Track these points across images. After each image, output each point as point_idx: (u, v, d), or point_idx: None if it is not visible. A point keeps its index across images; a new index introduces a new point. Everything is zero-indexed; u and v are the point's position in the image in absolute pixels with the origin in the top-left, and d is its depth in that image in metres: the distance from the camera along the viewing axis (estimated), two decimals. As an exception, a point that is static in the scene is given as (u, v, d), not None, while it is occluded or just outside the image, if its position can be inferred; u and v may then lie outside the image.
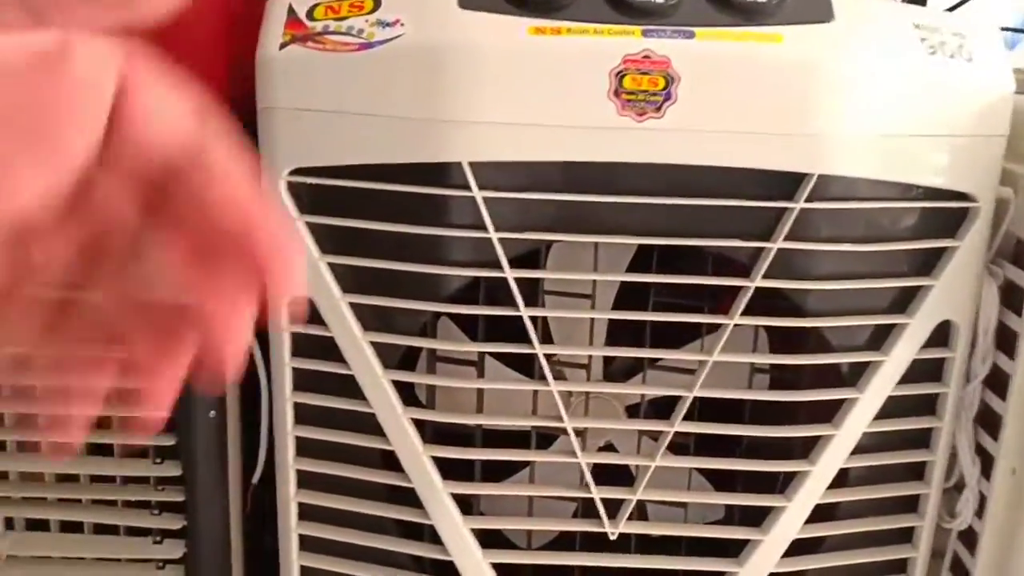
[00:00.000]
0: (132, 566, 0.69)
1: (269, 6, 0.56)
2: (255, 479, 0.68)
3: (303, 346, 0.60)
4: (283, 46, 0.54)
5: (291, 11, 0.55)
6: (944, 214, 0.56)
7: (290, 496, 0.62)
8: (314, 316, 0.58)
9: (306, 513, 0.63)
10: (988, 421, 0.61)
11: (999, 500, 0.60)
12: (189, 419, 0.65)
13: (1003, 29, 0.73)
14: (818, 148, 0.52)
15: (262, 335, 0.62)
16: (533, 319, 0.56)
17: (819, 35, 0.52)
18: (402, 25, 0.53)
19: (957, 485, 0.62)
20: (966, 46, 0.55)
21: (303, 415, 0.61)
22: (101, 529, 0.70)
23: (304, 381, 0.61)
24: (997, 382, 0.60)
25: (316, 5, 0.55)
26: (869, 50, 0.53)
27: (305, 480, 0.63)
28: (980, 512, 0.62)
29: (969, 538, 0.63)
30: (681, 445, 0.61)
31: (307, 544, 0.64)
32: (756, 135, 0.52)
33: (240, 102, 0.61)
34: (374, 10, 0.54)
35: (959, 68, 0.54)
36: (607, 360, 0.62)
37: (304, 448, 0.62)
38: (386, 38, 0.53)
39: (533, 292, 0.58)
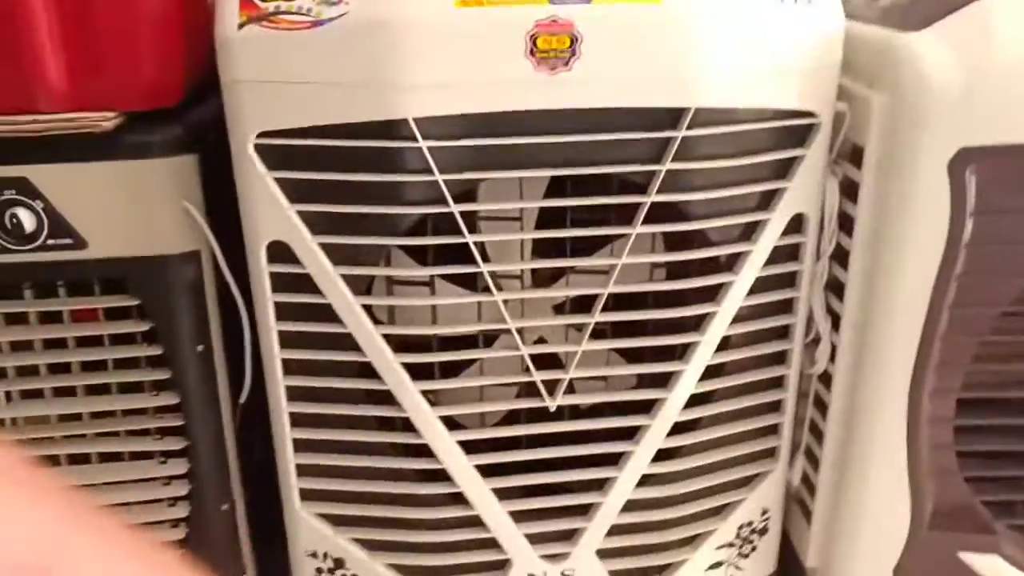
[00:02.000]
0: (140, 486, 0.76)
1: None
2: (242, 399, 0.76)
3: (281, 283, 0.68)
4: (240, 26, 0.61)
5: (244, -6, 0.62)
6: (794, 129, 0.68)
7: (282, 408, 0.72)
8: (289, 256, 0.67)
9: (297, 420, 0.72)
10: (835, 287, 0.76)
11: (846, 348, 0.75)
12: (179, 354, 0.73)
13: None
14: (693, 86, 0.63)
15: (239, 274, 0.71)
16: (475, 243, 0.66)
17: None
18: (346, 4, 0.61)
19: (815, 340, 0.77)
20: (805, -10, 0.67)
21: (286, 340, 0.70)
22: (107, 458, 0.76)
23: (285, 312, 0.69)
24: (841, 256, 0.74)
25: (267, -12, 0.62)
26: (729, 3, 0.63)
27: (293, 393, 0.71)
28: (833, 358, 0.76)
29: (826, 379, 0.78)
30: (600, 332, 0.72)
31: (300, 446, 0.73)
32: (645, 79, 0.62)
33: (196, 71, 0.68)
34: (320, -10, 0.61)
35: (800, 10, 0.65)
36: (535, 271, 0.73)
37: (290, 367, 0.71)
38: (333, 16, 0.60)
39: (471, 221, 0.68)
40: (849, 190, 0.72)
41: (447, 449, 0.72)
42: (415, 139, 0.62)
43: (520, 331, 0.70)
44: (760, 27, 0.64)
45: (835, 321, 0.75)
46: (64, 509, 0.26)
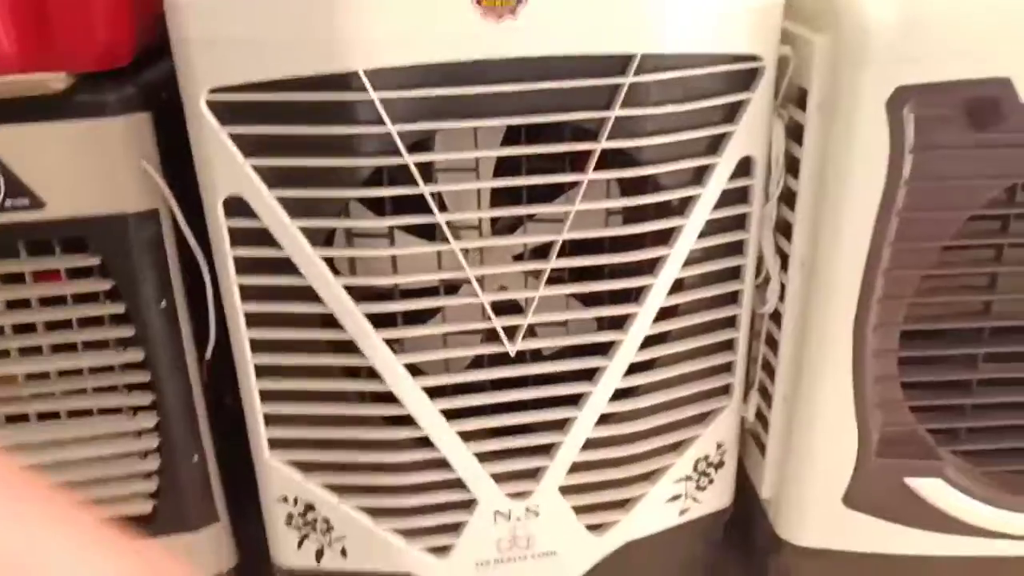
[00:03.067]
0: (111, 440, 0.78)
1: None
2: (208, 354, 0.78)
3: (240, 237, 0.69)
4: (187, -17, 0.62)
5: (191, -49, 0.62)
6: (740, 73, 0.69)
7: (247, 359, 0.73)
8: (246, 211, 0.68)
9: (262, 372, 0.74)
10: (783, 228, 0.78)
11: (795, 287, 0.77)
12: (142, 311, 0.74)
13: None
14: (639, 33, 0.64)
15: (200, 231, 0.72)
16: (432, 194, 0.68)
17: None
18: (292, -43, 0.61)
19: (765, 280, 0.79)
20: (748, -67, 0.68)
21: (248, 293, 0.71)
22: (76, 414, 0.78)
23: (245, 266, 0.70)
24: (788, 197, 0.76)
25: (212, -56, 0.62)
26: (672, -51, 0.64)
27: (257, 345, 0.73)
28: (782, 297, 0.78)
29: (776, 318, 0.81)
30: (559, 279, 0.74)
31: (266, 396, 0.75)
32: (591, 27, 0.63)
33: (147, 31, 0.68)
34: (266, -55, 0.61)
35: (743, -47, 0.67)
36: (495, 221, 0.74)
37: (253, 320, 0.72)
38: (280, -30, 0.61)
39: (428, 171, 0.68)
40: (796, 133, 0.74)
41: (412, 395, 0.74)
42: (366, 91, 0.63)
43: (481, 280, 0.72)
44: (704, -28, 0.65)
45: (784, 261, 0.78)
46: (38, 503, 0.26)
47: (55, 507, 0.26)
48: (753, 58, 0.69)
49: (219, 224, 0.68)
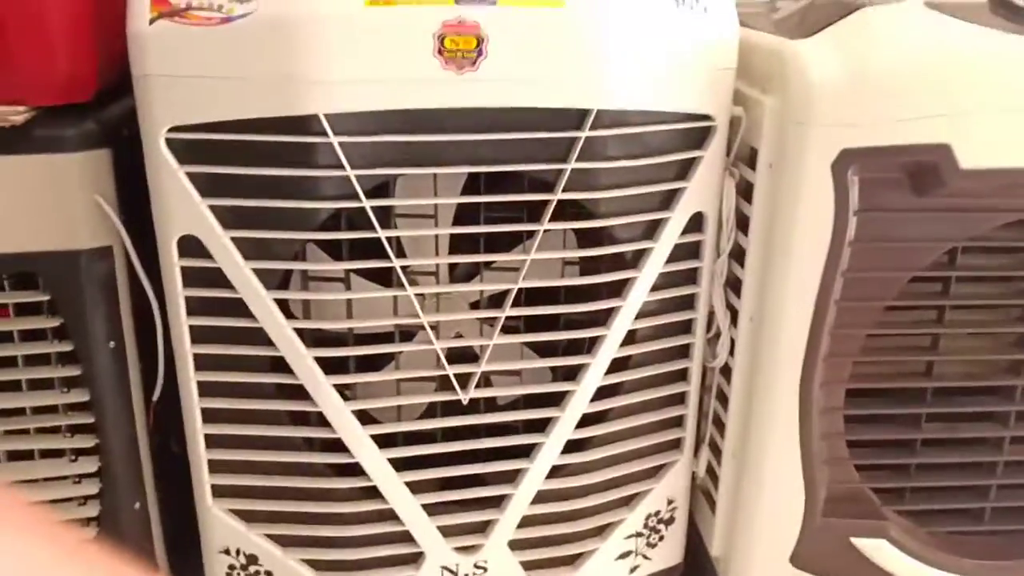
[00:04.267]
0: (50, 484, 0.76)
1: None
2: (155, 397, 0.76)
3: (193, 277, 0.68)
4: (152, 21, 0.62)
5: (156, -10, 0.63)
6: (693, 131, 0.72)
7: (194, 403, 0.72)
8: (200, 251, 0.67)
9: (209, 416, 0.73)
10: (734, 284, 0.79)
11: (744, 342, 0.79)
12: (91, 350, 0.73)
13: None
14: (595, 88, 0.66)
15: (152, 270, 0.71)
16: (389, 239, 0.68)
17: None
18: (257, 1, 0.62)
19: (716, 334, 0.81)
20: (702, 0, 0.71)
21: (198, 335, 0.70)
22: (16, 456, 0.75)
23: (196, 306, 0.69)
24: (739, 254, 0.78)
25: (178, -16, 0.63)
26: (630, 8, 0.66)
27: (205, 389, 0.72)
28: (732, 352, 0.80)
29: (726, 373, 0.82)
30: (514, 328, 0.75)
31: (212, 442, 0.73)
32: (549, 80, 0.65)
33: (110, 67, 0.68)
34: (231, -12, 0.63)
35: (696, 17, 0.69)
36: (451, 266, 0.75)
37: (202, 363, 0.71)
38: (244, 12, 0.62)
39: (386, 216, 0.69)
40: (746, 191, 0.76)
41: (361, 443, 0.73)
42: (326, 134, 0.63)
43: (436, 327, 0.72)
44: (659, 32, 0.68)
45: (734, 316, 0.79)
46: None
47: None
48: (706, 117, 0.72)
49: (172, 263, 0.68)
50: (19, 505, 0.26)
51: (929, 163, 0.68)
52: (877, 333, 0.75)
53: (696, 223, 0.75)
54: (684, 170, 0.73)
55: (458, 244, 0.72)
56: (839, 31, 0.68)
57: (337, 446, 0.73)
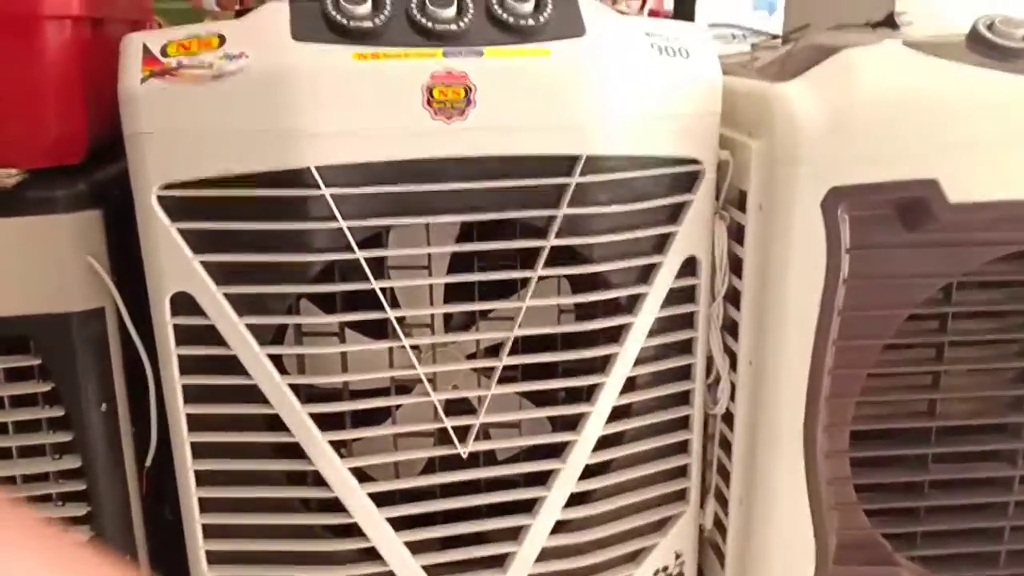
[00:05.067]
0: None
1: (124, 46, 0.64)
2: (148, 462, 0.75)
3: (186, 335, 0.68)
4: (143, 80, 0.63)
5: (146, 50, 0.63)
6: (682, 175, 0.72)
7: (188, 466, 0.70)
8: (193, 308, 0.67)
9: (203, 479, 0.71)
10: (731, 327, 0.79)
11: (744, 386, 0.78)
12: (82, 415, 0.72)
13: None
14: (585, 135, 0.66)
15: (144, 330, 0.71)
16: (383, 290, 0.67)
17: (577, 48, 0.66)
18: (246, 57, 0.63)
19: (716, 379, 0.80)
20: (684, 47, 0.72)
21: (191, 395, 0.69)
22: None
23: (189, 365, 0.68)
24: (734, 297, 0.77)
25: (169, 43, 0.64)
26: (614, 56, 0.67)
27: (199, 450, 0.70)
28: (733, 397, 0.78)
29: (728, 419, 0.81)
30: (511, 378, 0.73)
31: (207, 506, 0.72)
32: (539, 128, 0.66)
33: (101, 128, 0.69)
34: (221, 45, 0.64)
35: (680, 64, 0.71)
36: (447, 316, 0.75)
37: (195, 423, 0.70)
38: (235, 69, 0.63)
39: (380, 267, 0.69)
40: (738, 234, 0.76)
41: (359, 503, 0.71)
42: (318, 187, 0.64)
43: (433, 379, 0.71)
44: (643, 79, 0.69)
45: (733, 360, 0.78)
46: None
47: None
48: (693, 161, 0.72)
49: (165, 321, 0.68)
50: (16, 520, 0.25)
51: (918, 198, 0.68)
52: (877, 372, 0.75)
53: (689, 267, 0.75)
54: (675, 214, 0.74)
55: (453, 293, 0.72)
56: (822, 73, 0.69)
57: (334, 506, 0.72)
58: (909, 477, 0.79)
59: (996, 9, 0.71)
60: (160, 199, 0.65)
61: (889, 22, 0.79)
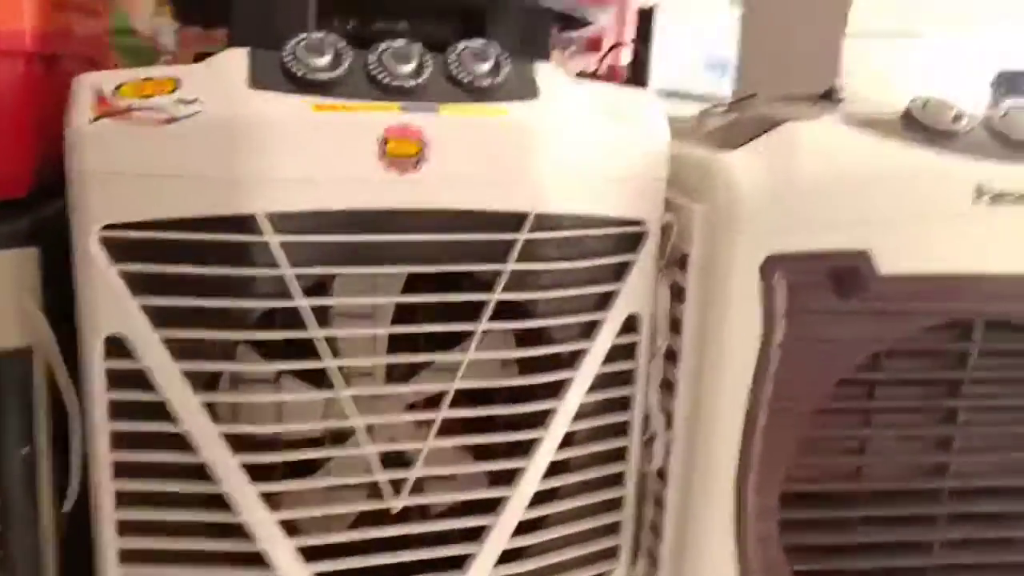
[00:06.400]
0: None
1: (75, 86, 0.62)
2: (67, 507, 0.72)
3: (117, 379, 0.65)
4: (93, 120, 0.62)
5: (98, 90, 0.62)
6: (627, 236, 0.74)
7: (108, 515, 0.67)
8: (127, 352, 0.65)
9: (125, 528, 0.68)
10: (668, 386, 0.80)
11: (679, 445, 0.79)
12: (1, 458, 0.68)
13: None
14: (534, 193, 0.67)
15: (71, 368, 0.68)
16: (325, 338, 0.67)
17: (531, 109, 0.68)
18: (201, 102, 0.62)
19: (651, 437, 0.81)
20: (634, 112, 0.74)
21: (117, 441, 0.66)
22: None
23: (117, 410, 0.66)
24: (672, 355, 0.79)
25: (122, 84, 0.63)
26: (566, 119, 0.69)
27: (122, 499, 0.67)
28: (668, 455, 0.79)
29: (662, 476, 0.82)
30: (450, 430, 0.72)
31: (126, 557, 0.68)
32: (489, 184, 0.67)
33: (48, 165, 0.67)
34: (175, 90, 0.63)
35: (630, 129, 0.73)
36: (389, 367, 0.74)
37: (120, 469, 0.67)
38: (188, 113, 0.62)
39: (323, 314, 0.68)
40: (679, 294, 0.78)
41: (287, 556, 0.69)
42: (261, 234, 0.63)
43: (370, 429, 0.70)
44: (594, 143, 0.71)
45: (669, 419, 0.80)
46: None
47: None
48: (638, 223, 0.74)
49: (96, 364, 0.65)
50: None
51: (850, 268, 0.71)
52: (808, 436, 0.77)
53: (631, 325, 0.76)
54: (619, 273, 0.75)
55: (395, 343, 0.71)
56: (764, 144, 0.72)
57: (262, 560, 0.69)
58: (836, 539, 0.81)
59: (931, 88, 0.75)
60: (102, 239, 0.63)
61: (830, 95, 0.83)
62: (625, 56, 1.25)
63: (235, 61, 0.64)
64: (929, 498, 0.81)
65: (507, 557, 0.76)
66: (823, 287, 0.72)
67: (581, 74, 1.19)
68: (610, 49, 1.22)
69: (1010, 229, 0.72)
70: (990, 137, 0.73)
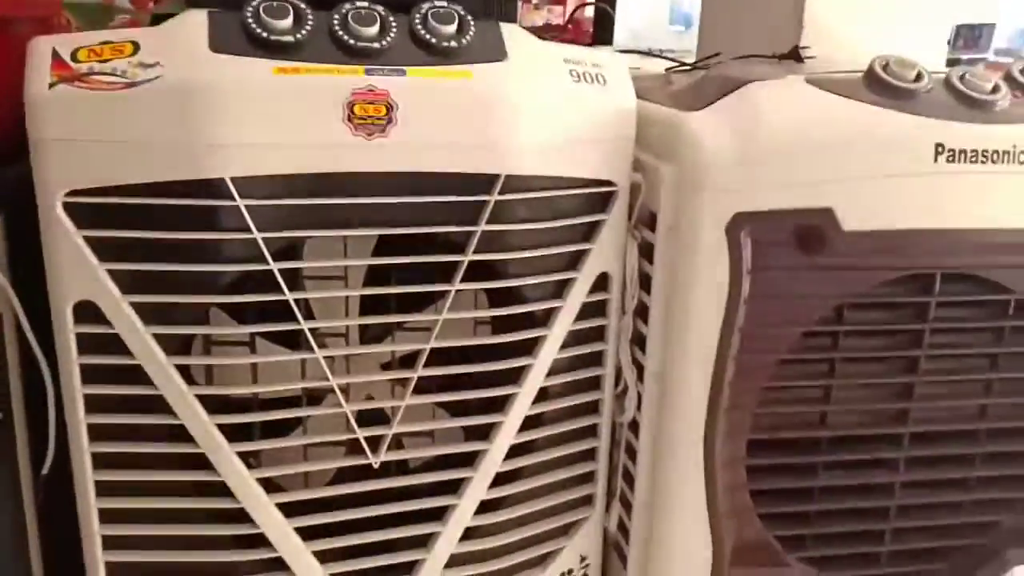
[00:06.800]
0: None
1: (31, 49, 0.61)
2: (45, 470, 0.72)
3: (88, 344, 0.66)
4: (52, 86, 0.61)
5: (55, 54, 0.61)
6: (596, 196, 0.75)
7: (88, 476, 0.68)
8: (97, 317, 0.65)
9: (104, 489, 0.69)
10: (639, 341, 0.82)
11: (650, 397, 0.81)
12: (-25, 424, 0.69)
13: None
14: (504, 155, 0.68)
15: (44, 335, 0.68)
16: (297, 301, 0.67)
17: (498, 71, 0.67)
18: (161, 66, 0.62)
19: (624, 390, 0.83)
20: (601, 73, 0.74)
21: (92, 404, 0.67)
22: None
23: (91, 374, 0.66)
24: (643, 312, 0.80)
25: (79, 48, 0.62)
26: (534, 80, 0.69)
27: (100, 461, 0.68)
28: (639, 407, 0.82)
29: (635, 428, 0.84)
30: (426, 388, 0.74)
31: (107, 516, 0.70)
32: (458, 147, 0.67)
33: (6, 131, 0.66)
34: (134, 53, 0.62)
35: (596, 90, 0.73)
36: (363, 327, 0.75)
37: (97, 433, 0.68)
38: (149, 77, 0.61)
39: (295, 278, 0.68)
40: (648, 252, 0.79)
41: (266, 513, 0.71)
42: (232, 198, 0.63)
43: (346, 389, 0.71)
44: (562, 102, 0.71)
45: (640, 372, 0.81)
46: None
47: None
48: (608, 183, 0.75)
49: (67, 330, 0.65)
50: None
51: (814, 226, 0.72)
52: (774, 386, 0.79)
53: (602, 283, 0.77)
54: (589, 232, 0.76)
55: (369, 304, 0.72)
56: (729, 104, 0.72)
57: (241, 516, 0.71)
58: (800, 483, 0.83)
59: (893, 47, 0.76)
60: (65, 205, 0.63)
61: (794, 55, 0.83)
62: (589, 10, 1.24)
63: (195, 23, 0.63)
64: (890, 442, 0.84)
65: (485, 507, 0.78)
66: (788, 244, 0.73)
67: (546, 26, 1.18)
68: (577, 7, 1.21)
69: (968, 186, 0.73)
70: (950, 96, 0.74)
